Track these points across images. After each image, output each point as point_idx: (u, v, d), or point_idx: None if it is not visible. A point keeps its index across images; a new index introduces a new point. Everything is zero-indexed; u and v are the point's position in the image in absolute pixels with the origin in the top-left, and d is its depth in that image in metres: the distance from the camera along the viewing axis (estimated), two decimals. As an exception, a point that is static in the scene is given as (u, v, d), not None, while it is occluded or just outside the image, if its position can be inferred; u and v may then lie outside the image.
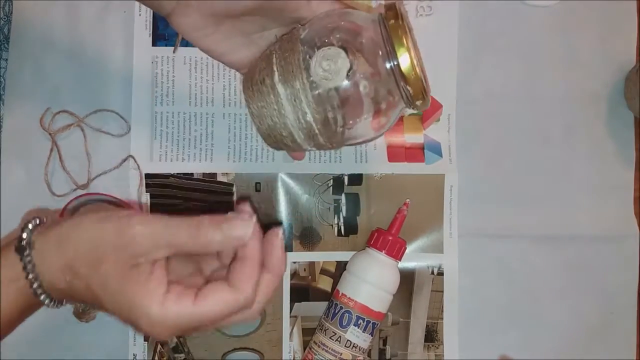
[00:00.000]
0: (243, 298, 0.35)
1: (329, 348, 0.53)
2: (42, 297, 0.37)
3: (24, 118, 0.56)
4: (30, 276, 0.36)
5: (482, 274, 0.57)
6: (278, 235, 0.37)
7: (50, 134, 0.56)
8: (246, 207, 0.37)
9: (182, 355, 0.56)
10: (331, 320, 0.53)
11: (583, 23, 0.58)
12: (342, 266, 0.56)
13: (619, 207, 0.58)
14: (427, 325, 0.57)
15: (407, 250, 0.55)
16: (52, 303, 0.37)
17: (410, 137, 0.58)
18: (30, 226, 0.37)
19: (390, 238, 0.54)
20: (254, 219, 0.36)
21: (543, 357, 0.57)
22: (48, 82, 0.56)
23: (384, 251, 0.53)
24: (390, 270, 0.54)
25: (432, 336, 0.57)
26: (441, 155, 0.57)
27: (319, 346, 0.53)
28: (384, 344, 0.57)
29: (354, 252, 0.56)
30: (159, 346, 0.56)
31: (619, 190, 0.58)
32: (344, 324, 0.52)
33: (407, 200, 0.56)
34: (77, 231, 0.36)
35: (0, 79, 0.56)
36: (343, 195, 0.57)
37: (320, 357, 0.53)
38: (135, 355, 0.56)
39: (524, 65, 0.58)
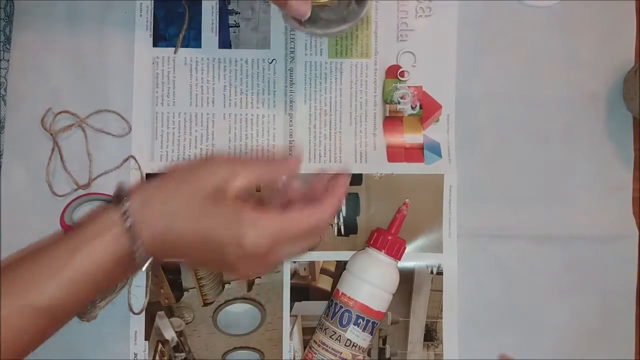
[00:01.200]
0: (325, 211, 0.43)
1: (329, 347, 0.53)
2: (138, 244, 0.40)
3: (26, 118, 0.56)
4: (129, 220, 0.40)
5: (481, 273, 0.57)
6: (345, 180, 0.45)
7: (51, 134, 0.56)
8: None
9: (183, 355, 0.57)
10: (331, 320, 0.53)
11: (582, 23, 0.58)
12: (342, 266, 0.56)
13: (618, 207, 0.58)
14: (426, 325, 0.57)
15: (406, 250, 0.55)
16: (144, 256, 0.41)
17: (410, 138, 0.58)
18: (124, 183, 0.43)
19: (390, 238, 0.54)
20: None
21: (542, 357, 0.57)
22: (49, 82, 0.57)
23: (383, 251, 0.54)
24: (390, 270, 0.54)
25: (431, 335, 0.57)
26: (440, 156, 0.58)
27: (319, 345, 0.53)
28: (384, 343, 0.58)
29: (354, 251, 0.56)
30: (160, 345, 0.56)
31: (618, 191, 0.58)
32: (344, 323, 0.52)
33: (407, 200, 0.56)
34: (171, 182, 0.42)
35: (2, 79, 0.57)
36: (343, 195, 0.57)
37: (321, 357, 0.53)
38: (135, 355, 0.56)
39: (523, 65, 0.58)
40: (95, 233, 0.40)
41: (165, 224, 0.40)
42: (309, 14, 0.48)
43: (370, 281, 0.53)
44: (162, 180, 0.43)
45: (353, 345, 0.52)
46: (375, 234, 0.54)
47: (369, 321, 0.53)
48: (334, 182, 0.45)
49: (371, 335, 0.53)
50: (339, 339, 0.52)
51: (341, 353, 0.52)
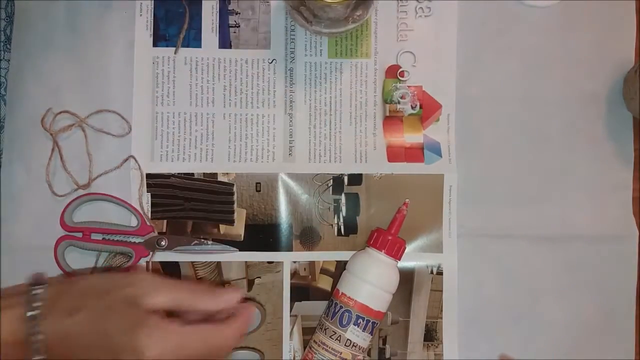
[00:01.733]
0: (231, 332, 0.43)
1: (329, 347, 0.53)
2: (37, 335, 0.40)
3: (26, 118, 0.56)
4: (36, 310, 0.41)
5: (481, 273, 0.57)
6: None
7: (51, 134, 0.56)
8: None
9: (183, 355, 0.56)
10: (331, 320, 0.53)
11: (582, 23, 0.58)
12: (342, 266, 0.56)
13: (618, 207, 0.58)
14: (426, 325, 0.57)
15: (406, 250, 0.55)
16: (40, 350, 0.41)
17: (410, 137, 0.58)
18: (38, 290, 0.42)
19: (390, 238, 0.54)
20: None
21: (542, 357, 0.57)
22: (49, 82, 0.57)
23: (383, 251, 0.53)
24: (390, 270, 0.54)
25: (431, 335, 0.57)
26: (441, 155, 0.58)
27: (319, 345, 0.53)
28: (384, 343, 0.58)
29: (354, 251, 0.56)
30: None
31: (618, 190, 0.58)
32: (343, 323, 0.52)
33: (407, 200, 0.56)
34: (87, 282, 0.43)
35: (2, 79, 0.57)
36: (343, 195, 0.57)
37: (320, 357, 0.53)
38: None
39: (523, 65, 0.58)
40: (4, 305, 0.41)
41: (69, 321, 0.41)
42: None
43: (371, 281, 0.53)
44: (81, 279, 0.44)
45: (353, 345, 0.52)
46: (375, 234, 0.54)
47: (369, 321, 0.53)
48: (241, 306, 0.45)
49: (371, 335, 0.53)
50: (339, 339, 0.52)
51: (341, 353, 0.52)
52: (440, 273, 0.57)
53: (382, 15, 0.58)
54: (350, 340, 0.52)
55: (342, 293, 0.53)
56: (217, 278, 0.57)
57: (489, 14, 0.58)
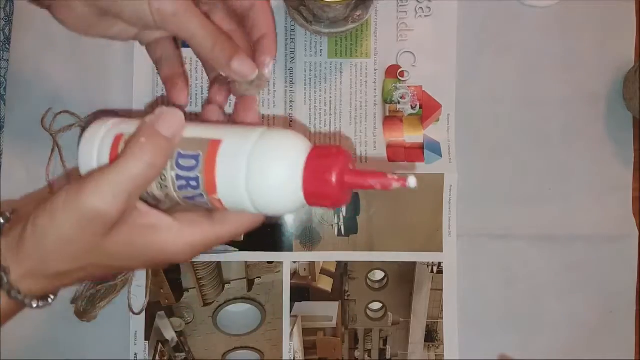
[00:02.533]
0: (255, 218, 0.36)
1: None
2: (4, 284, 0.34)
3: (25, 118, 0.56)
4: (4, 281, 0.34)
5: (481, 273, 0.57)
6: None
7: (51, 134, 0.56)
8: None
9: (183, 355, 0.57)
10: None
11: (582, 23, 0.58)
12: (342, 266, 0.56)
13: (618, 207, 0.58)
14: (427, 325, 0.57)
15: (406, 249, 0.55)
16: (22, 296, 0.35)
17: (410, 137, 0.58)
18: None
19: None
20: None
21: (542, 357, 0.57)
22: (49, 82, 0.57)
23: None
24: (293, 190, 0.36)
25: (432, 336, 0.57)
26: (441, 155, 0.58)
27: None
28: (384, 344, 0.58)
29: (354, 252, 0.56)
30: (160, 345, 0.56)
31: (618, 191, 0.58)
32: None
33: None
34: (39, 232, 0.34)
35: (2, 79, 0.57)
36: (343, 195, 0.57)
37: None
38: (136, 355, 0.56)
39: (523, 65, 0.58)
40: None
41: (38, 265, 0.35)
42: (255, 74, 0.41)
43: (268, 183, 0.36)
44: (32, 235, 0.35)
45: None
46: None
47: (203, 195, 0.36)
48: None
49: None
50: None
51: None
52: (440, 272, 0.57)
53: (382, 15, 0.58)
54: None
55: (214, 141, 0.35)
56: (217, 278, 0.57)
57: (489, 14, 0.58)
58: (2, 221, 0.37)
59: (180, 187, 0.35)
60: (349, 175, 0.33)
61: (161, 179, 0.36)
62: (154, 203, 0.37)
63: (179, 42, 0.46)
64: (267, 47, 0.42)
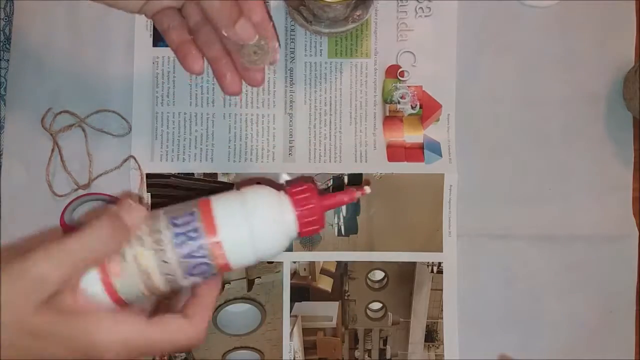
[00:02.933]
0: (201, 331, 0.37)
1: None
2: None
3: (26, 118, 0.56)
4: None
5: (481, 273, 0.57)
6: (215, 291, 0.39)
7: (51, 134, 0.56)
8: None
9: (183, 355, 0.56)
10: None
11: (582, 23, 0.58)
12: (342, 266, 0.56)
13: (618, 207, 0.58)
14: (427, 325, 0.57)
15: (406, 249, 0.55)
16: None
17: (410, 137, 0.58)
18: None
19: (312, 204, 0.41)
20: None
21: (542, 357, 0.57)
22: (49, 82, 0.57)
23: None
24: (280, 231, 0.40)
25: (432, 336, 0.57)
26: (441, 155, 0.58)
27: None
28: (384, 344, 0.58)
29: (354, 252, 0.56)
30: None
31: (618, 191, 0.58)
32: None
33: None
34: None
35: (2, 79, 0.57)
36: (343, 195, 0.57)
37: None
38: None
39: (523, 65, 0.58)
40: None
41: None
42: (254, 38, 0.41)
43: (256, 226, 0.40)
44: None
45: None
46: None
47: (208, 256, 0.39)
48: (204, 286, 0.38)
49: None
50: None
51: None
52: (440, 272, 0.57)
53: (382, 15, 0.58)
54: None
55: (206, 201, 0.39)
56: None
57: (489, 14, 0.58)
58: None
59: (179, 244, 0.37)
60: (326, 200, 0.40)
61: (158, 244, 0.36)
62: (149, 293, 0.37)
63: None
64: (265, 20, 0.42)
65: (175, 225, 0.37)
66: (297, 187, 0.40)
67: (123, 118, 0.57)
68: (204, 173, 0.57)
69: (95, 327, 0.33)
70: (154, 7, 0.43)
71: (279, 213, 0.39)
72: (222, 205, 0.38)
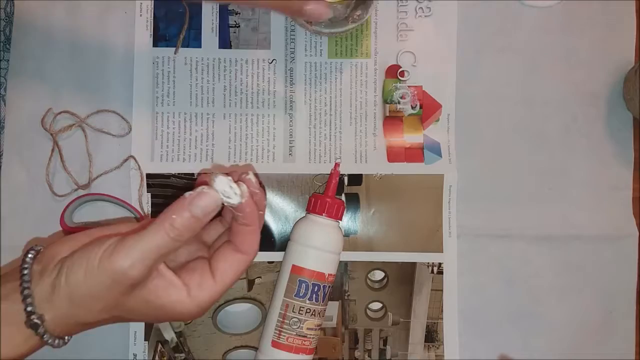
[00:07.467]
0: (252, 258, 0.43)
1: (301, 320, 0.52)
2: (41, 330, 0.38)
3: (26, 118, 0.56)
4: (29, 308, 0.38)
5: (481, 273, 0.57)
6: (255, 217, 0.42)
7: (51, 134, 0.56)
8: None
9: (183, 355, 0.56)
10: (287, 294, 0.53)
11: (582, 23, 0.58)
12: (342, 266, 0.56)
13: (618, 207, 0.58)
14: (427, 325, 0.57)
15: (406, 250, 0.55)
16: (55, 338, 0.39)
17: (410, 138, 0.58)
18: (28, 260, 0.39)
19: (328, 200, 0.54)
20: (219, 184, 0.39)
21: (543, 357, 0.57)
22: (49, 82, 0.57)
23: (323, 214, 0.53)
24: (333, 231, 0.54)
25: (432, 336, 0.57)
26: (440, 156, 0.58)
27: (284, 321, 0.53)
28: (384, 344, 0.58)
29: (355, 252, 0.56)
30: (160, 346, 0.56)
31: (618, 191, 0.58)
32: (301, 294, 0.52)
33: (338, 160, 0.57)
34: (72, 285, 0.38)
35: (2, 79, 0.57)
36: (343, 195, 0.57)
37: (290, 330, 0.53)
38: (135, 355, 0.56)
39: (523, 65, 0.58)
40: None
41: (71, 312, 0.38)
42: (330, 15, 0.45)
43: (316, 246, 0.53)
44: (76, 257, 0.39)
45: (312, 313, 0.52)
46: (313, 199, 0.54)
47: (321, 286, 0.52)
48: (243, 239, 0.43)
49: (325, 299, 0.53)
50: (302, 310, 0.52)
51: (306, 321, 0.52)
52: (440, 272, 0.57)
53: (382, 15, 0.58)
54: (310, 309, 0.52)
55: (292, 265, 0.53)
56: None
57: (489, 14, 0.58)
58: (31, 256, 0.40)
59: None
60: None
61: None
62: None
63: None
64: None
65: None
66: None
67: (123, 118, 0.57)
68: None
69: (175, 300, 0.40)
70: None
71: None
72: None
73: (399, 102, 0.58)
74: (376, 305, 0.58)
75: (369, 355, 0.57)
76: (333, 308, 0.57)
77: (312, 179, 0.57)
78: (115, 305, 0.39)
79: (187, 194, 0.39)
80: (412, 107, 0.58)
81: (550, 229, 0.58)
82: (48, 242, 0.41)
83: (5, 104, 0.57)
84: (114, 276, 0.37)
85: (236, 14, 0.58)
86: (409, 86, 0.58)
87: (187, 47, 0.58)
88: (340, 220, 0.54)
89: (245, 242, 0.42)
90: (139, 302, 0.39)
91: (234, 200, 0.40)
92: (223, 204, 0.39)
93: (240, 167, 0.42)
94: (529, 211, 0.58)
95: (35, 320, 0.37)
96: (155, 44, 0.58)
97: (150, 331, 0.56)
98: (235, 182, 0.40)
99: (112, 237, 0.38)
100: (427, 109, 0.58)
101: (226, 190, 0.39)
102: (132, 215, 0.56)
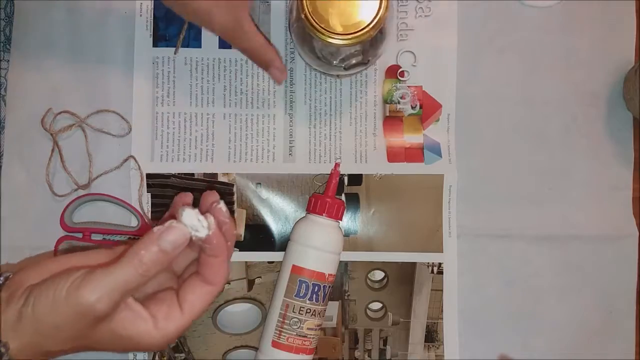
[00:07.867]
0: (220, 289, 0.42)
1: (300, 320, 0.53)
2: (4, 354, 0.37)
3: (26, 119, 0.56)
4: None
5: (481, 273, 0.57)
6: (223, 251, 0.41)
7: (51, 134, 0.56)
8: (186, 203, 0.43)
9: (183, 355, 0.57)
10: (288, 295, 0.53)
11: (582, 23, 0.58)
12: (342, 266, 0.56)
13: (618, 207, 0.58)
14: (427, 325, 0.57)
15: (406, 250, 0.55)
16: None
17: (410, 138, 0.58)
18: None
19: (328, 200, 0.54)
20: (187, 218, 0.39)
21: (542, 357, 0.57)
22: (49, 82, 0.57)
23: (323, 214, 0.53)
24: (333, 231, 0.54)
25: (432, 336, 0.57)
26: (440, 156, 0.58)
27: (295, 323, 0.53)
28: (384, 344, 0.58)
29: (354, 252, 0.56)
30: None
31: (618, 191, 0.58)
32: (301, 294, 0.52)
33: (338, 161, 0.57)
34: (38, 314, 0.37)
35: (2, 79, 0.57)
36: (343, 195, 0.57)
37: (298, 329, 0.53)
38: (135, 355, 0.56)
39: (523, 65, 0.58)
40: None
41: (35, 340, 0.38)
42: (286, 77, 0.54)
43: (316, 246, 0.53)
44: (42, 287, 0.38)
45: (313, 313, 0.52)
46: (313, 199, 0.54)
47: (321, 286, 0.52)
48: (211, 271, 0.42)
49: (325, 299, 0.53)
50: (300, 311, 0.52)
51: (307, 321, 0.52)
52: (440, 272, 0.57)
53: (382, 15, 0.58)
54: (310, 309, 0.52)
55: (294, 265, 0.53)
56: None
57: (489, 14, 0.58)
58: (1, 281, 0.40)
59: None
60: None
61: None
62: None
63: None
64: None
65: None
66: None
67: (123, 118, 0.57)
68: (204, 173, 0.57)
69: (142, 331, 0.39)
70: None
71: None
72: None
73: (399, 102, 0.58)
74: (376, 305, 0.58)
75: (369, 355, 0.57)
76: (333, 308, 0.57)
77: (312, 179, 0.57)
78: (81, 336, 0.38)
79: (156, 228, 0.38)
80: (412, 107, 0.58)
81: (550, 229, 0.58)
82: (17, 268, 0.41)
83: (5, 104, 0.57)
84: (80, 309, 0.37)
85: (236, 14, 0.58)
86: (409, 86, 0.58)
87: (187, 47, 0.58)
88: (341, 220, 0.54)
89: (212, 273, 0.41)
90: (105, 333, 0.39)
91: (202, 233, 0.39)
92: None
93: (207, 195, 0.42)
94: (529, 211, 0.58)
95: (0, 349, 0.37)
96: (155, 44, 0.58)
97: (150, 331, 0.56)
98: (205, 212, 0.40)
99: (81, 268, 0.38)
100: (427, 109, 0.58)
101: (194, 224, 0.39)
102: (132, 215, 0.56)
